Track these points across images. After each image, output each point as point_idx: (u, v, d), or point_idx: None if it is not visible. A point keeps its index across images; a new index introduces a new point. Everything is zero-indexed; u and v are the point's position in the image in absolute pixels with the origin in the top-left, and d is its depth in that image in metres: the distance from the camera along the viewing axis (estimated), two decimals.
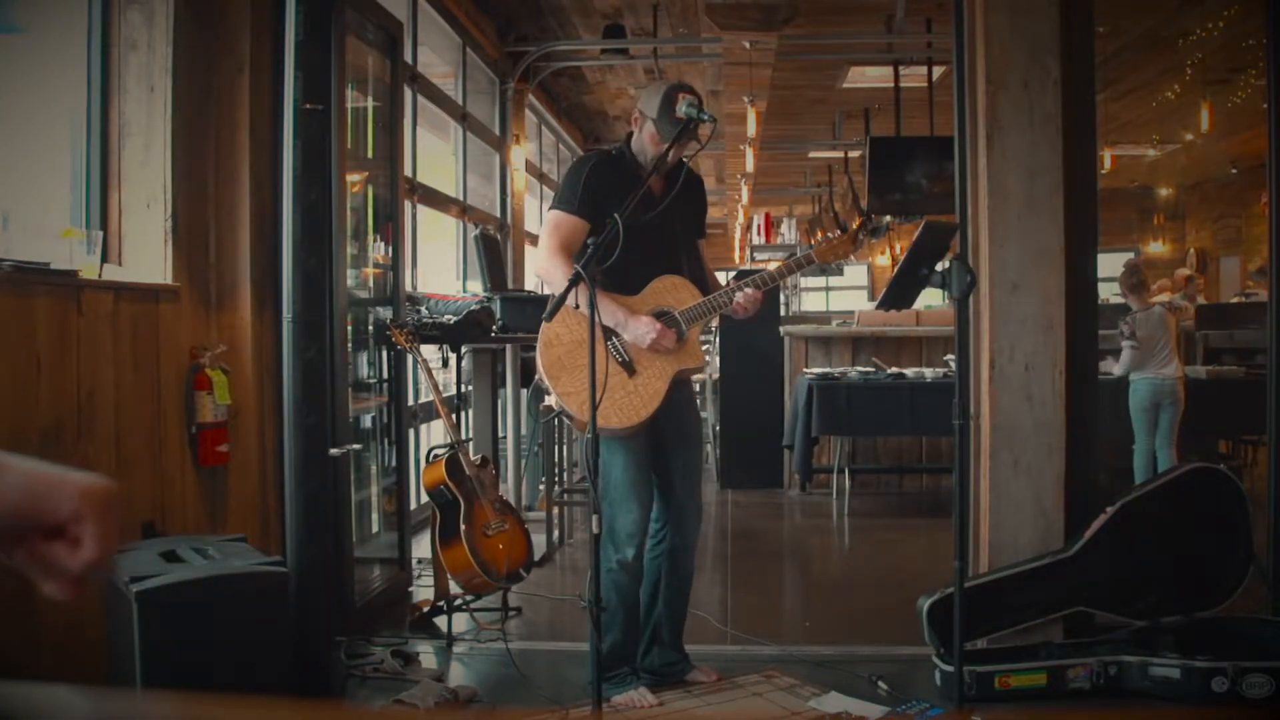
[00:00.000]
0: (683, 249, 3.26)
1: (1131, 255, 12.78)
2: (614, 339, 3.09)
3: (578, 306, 2.87)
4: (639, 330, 3.06)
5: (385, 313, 4.38)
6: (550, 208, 3.17)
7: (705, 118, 3.03)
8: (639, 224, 3.01)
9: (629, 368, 3.08)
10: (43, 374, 2.67)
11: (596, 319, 2.75)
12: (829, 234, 3.20)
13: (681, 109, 3.05)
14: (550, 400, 3.12)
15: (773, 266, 3.25)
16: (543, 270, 3.11)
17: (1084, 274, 3.55)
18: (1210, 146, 11.25)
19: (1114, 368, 5.83)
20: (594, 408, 2.74)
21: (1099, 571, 3.38)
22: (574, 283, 2.77)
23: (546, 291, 3.19)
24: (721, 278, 3.47)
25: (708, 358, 8.02)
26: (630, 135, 3.24)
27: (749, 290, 3.13)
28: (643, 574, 3.24)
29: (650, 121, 3.12)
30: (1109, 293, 8.97)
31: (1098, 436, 3.64)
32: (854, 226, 3.16)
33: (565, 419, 3.16)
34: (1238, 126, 10.04)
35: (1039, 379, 3.43)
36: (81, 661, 2.71)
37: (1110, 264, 7.00)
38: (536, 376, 3.08)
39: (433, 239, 7.19)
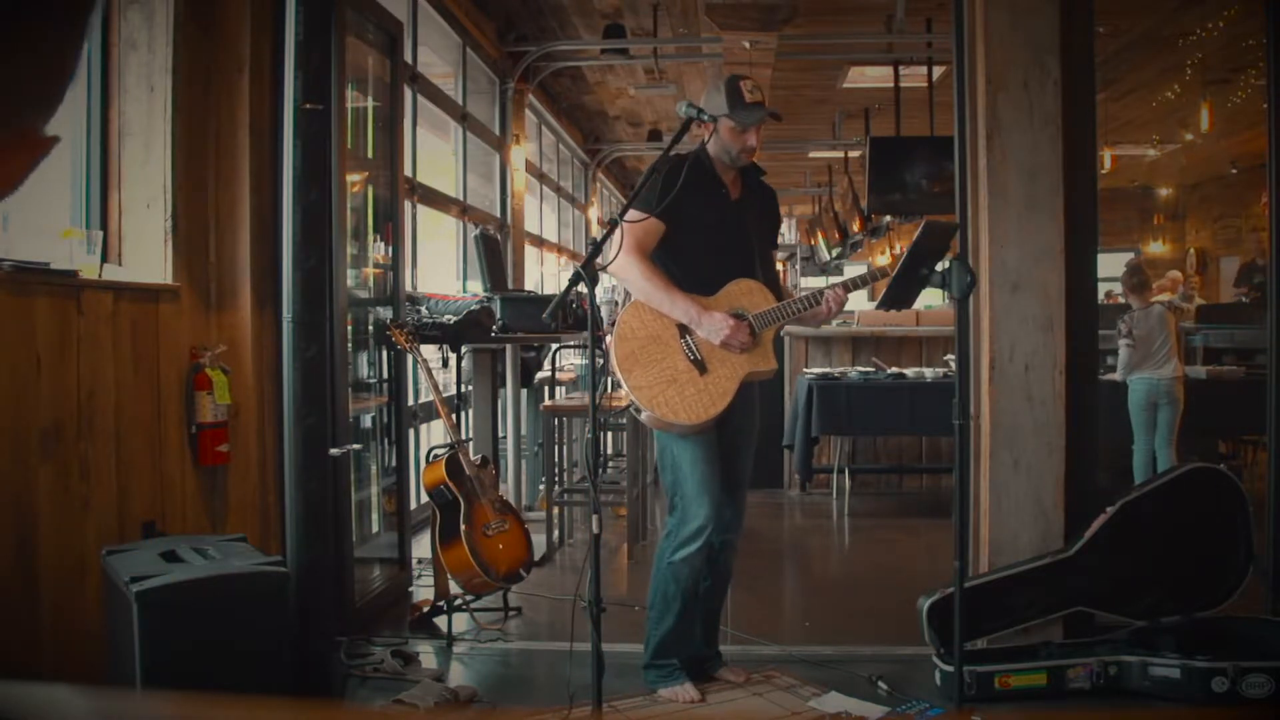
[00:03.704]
0: (757, 255, 3.29)
1: (1132, 255, 12.79)
2: (687, 336, 3.13)
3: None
4: (712, 326, 3.10)
5: (385, 313, 4.38)
6: (626, 205, 3.20)
7: (705, 118, 3.09)
8: (716, 225, 3.15)
9: (700, 366, 3.11)
10: (43, 374, 2.67)
11: (593, 316, 2.76)
12: (899, 248, 3.23)
13: (746, 96, 3.12)
14: (622, 393, 3.17)
15: (844, 279, 3.29)
16: (616, 268, 3.12)
17: (1084, 274, 3.55)
18: (1210, 146, 11.25)
19: (1116, 372, 5.83)
20: (594, 406, 2.75)
21: (1099, 571, 3.38)
22: (574, 282, 2.79)
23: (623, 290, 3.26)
24: None
25: None
26: (703, 143, 3.27)
27: (838, 290, 3.17)
28: (705, 567, 3.24)
29: (724, 117, 3.14)
30: (1112, 289, 8.97)
31: (1098, 436, 3.64)
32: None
33: (634, 413, 3.20)
34: (1238, 126, 10.04)
35: (1039, 379, 3.43)
36: (81, 661, 2.72)
37: (1110, 264, 6.99)
38: (609, 366, 3.12)
39: (433, 239, 7.19)
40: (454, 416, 5.45)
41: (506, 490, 5.20)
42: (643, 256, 3.10)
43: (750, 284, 3.21)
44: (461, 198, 7.35)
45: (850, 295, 3.23)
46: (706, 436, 3.16)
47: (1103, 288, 5.54)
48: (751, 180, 3.34)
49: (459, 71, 7.40)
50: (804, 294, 3.21)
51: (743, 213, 3.26)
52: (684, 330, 3.13)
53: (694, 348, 3.12)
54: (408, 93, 5.58)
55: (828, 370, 6.63)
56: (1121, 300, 6.60)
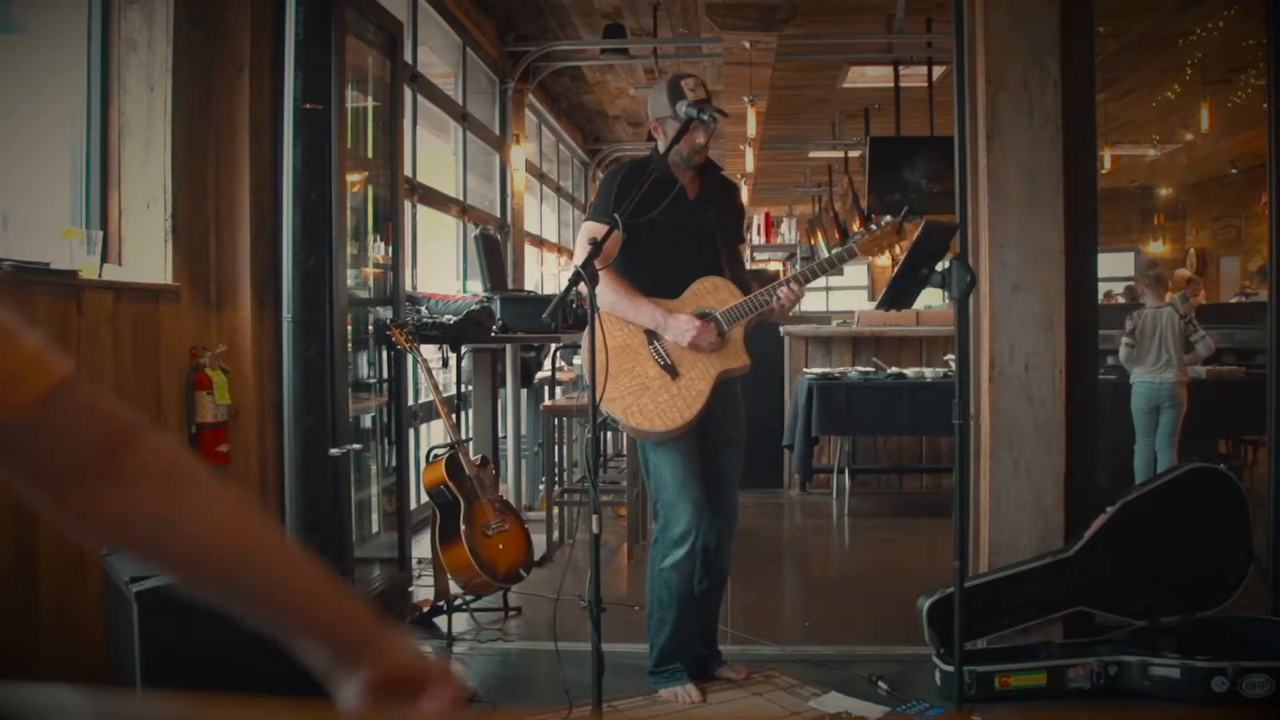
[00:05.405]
0: (723, 253, 3.27)
1: (1134, 254, 12.79)
2: (656, 342, 3.12)
3: (575, 307, 2.89)
4: (678, 328, 3.08)
5: (385, 313, 4.37)
6: (585, 218, 3.19)
7: (705, 117, 3.06)
8: (676, 226, 3.10)
9: (671, 370, 3.10)
10: None
11: (596, 317, 2.76)
12: (872, 225, 3.18)
13: (688, 94, 3.08)
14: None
15: (805, 264, 3.26)
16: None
17: (1084, 274, 3.55)
18: (1210, 146, 11.25)
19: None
20: (594, 405, 2.75)
21: (1099, 571, 3.38)
22: (574, 281, 2.78)
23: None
24: None
25: None
26: (656, 145, 3.25)
27: (793, 286, 3.12)
28: (695, 570, 3.24)
29: (670, 120, 3.13)
30: (1112, 289, 8.97)
31: (1098, 436, 3.64)
32: (898, 217, 3.15)
33: (612, 423, 3.19)
34: (1238, 126, 10.04)
35: (1039, 379, 3.43)
36: (81, 661, 2.71)
37: (1110, 264, 7.00)
38: (582, 378, 3.10)
39: (433, 239, 7.19)
40: (454, 416, 5.45)
41: (506, 490, 5.21)
42: (604, 264, 3.04)
43: (715, 281, 3.18)
44: (461, 198, 7.35)
45: (827, 284, 3.22)
46: (685, 441, 3.14)
47: (1103, 288, 5.55)
48: (710, 177, 3.31)
49: (459, 71, 7.40)
50: (767, 286, 3.17)
51: (703, 210, 3.22)
52: (652, 336, 3.11)
53: (663, 353, 3.11)
54: (408, 93, 5.58)
55: (828, 370, 6.62)
56: (1120, 300, 6.61)
